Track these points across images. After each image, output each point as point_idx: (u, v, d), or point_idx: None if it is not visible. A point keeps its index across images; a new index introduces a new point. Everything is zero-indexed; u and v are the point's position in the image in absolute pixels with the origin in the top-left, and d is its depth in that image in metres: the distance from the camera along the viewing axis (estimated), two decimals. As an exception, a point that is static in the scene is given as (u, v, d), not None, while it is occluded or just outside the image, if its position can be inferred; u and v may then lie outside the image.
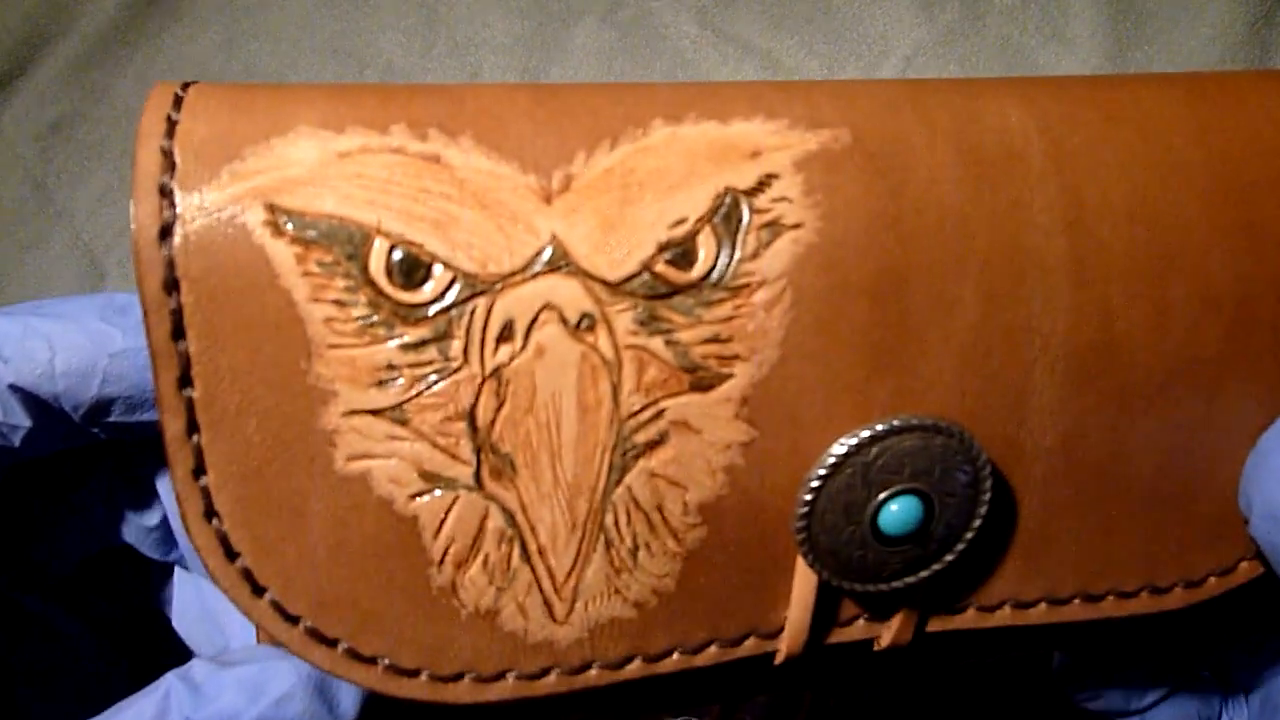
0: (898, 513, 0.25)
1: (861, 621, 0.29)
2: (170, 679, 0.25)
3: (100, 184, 0.50)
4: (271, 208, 0.22)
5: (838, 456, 0.25)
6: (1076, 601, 0.30)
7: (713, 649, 0.28)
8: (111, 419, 0.29)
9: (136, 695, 0.25)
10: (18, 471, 0.29)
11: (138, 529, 0.32)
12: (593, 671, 0.27)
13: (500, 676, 0.27)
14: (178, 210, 0.22)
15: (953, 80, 0.28)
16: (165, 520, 0.33)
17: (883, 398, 0.26)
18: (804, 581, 0.27)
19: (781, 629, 0.28)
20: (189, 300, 0.22)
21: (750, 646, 0.29)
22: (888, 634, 0.29)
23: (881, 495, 0.25)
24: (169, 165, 0.22)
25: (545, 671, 0.27)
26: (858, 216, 0.25)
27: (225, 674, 0.25)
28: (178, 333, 0.22)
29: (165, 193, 0.22)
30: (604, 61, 0.50)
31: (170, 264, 0.22)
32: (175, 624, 0.34)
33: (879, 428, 0.25)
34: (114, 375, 0.28)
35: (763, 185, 0.25)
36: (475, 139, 0.24)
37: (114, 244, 0.51)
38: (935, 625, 0.30)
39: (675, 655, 0.28)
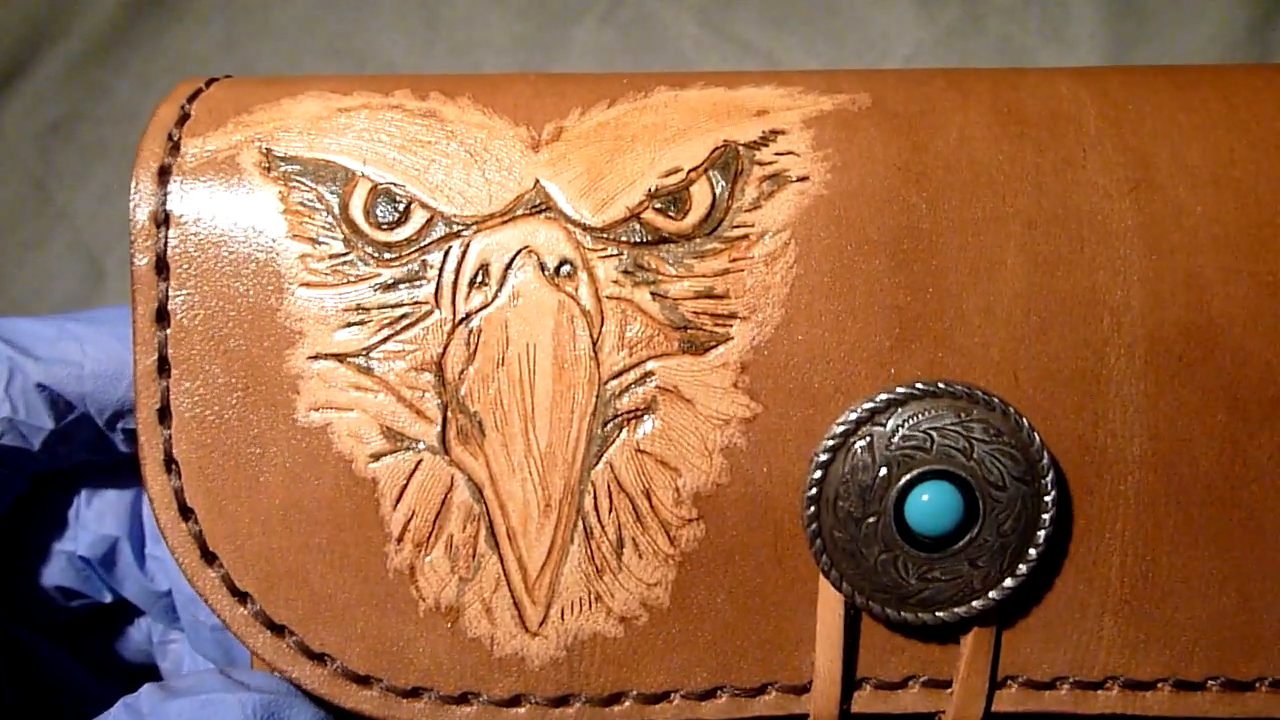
0: (930, 504, 0.21)
1: (916, 687, 0.24)
2: (118, 708, 0.24)
3: (100, 184, 0.51)
4: (267, 152, 0.23)
5: (848, 424, 0.21)
6: (1213, 687, 0.24)
7: (722, 699, 0.24)
8: (129, 425, 0.29)
9: None
10: (27, 502, 0.30)
11: (143, 592, 0.32)
12: (573, 708, 0.24)
13: (464, 699, 0.23)
14: (181, 153, 0.24)
15: (997, 69, 0.27)
16: (170, 592, 0.32)
17: (911, 371, 0.22)
18: (829, 606, 0.23)
19: (809, 683, 0.24)
20: (176, 234, 0.23)
21: (770, 704, 0.24)
22: (951, 707, 0.24)
23: (905, 478, 0.21)
24: (183, 118, 0.24)
25: (517, 700, 0.23)
26: (875, 170, 0.23)
27: (169, 705, 0.24)
28: (160, 265, 0.23)
29: (172, 139, 0.24)
30: (604, 61, 0.50)
31: (164, 199, 0.23)
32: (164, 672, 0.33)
33: (899, 390, 0.21)
34: None
35: (766, 139, 0.23)
36: (473, 98, 0.24)
37: (114, 244, 0.51)
38: (1014, 703, 0.24)
39: (675, 699, 0.24)
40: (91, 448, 0.29)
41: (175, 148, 0.24)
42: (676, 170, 0.23)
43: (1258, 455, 0.23)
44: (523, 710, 0.23)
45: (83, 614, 0.31)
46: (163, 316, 0.23)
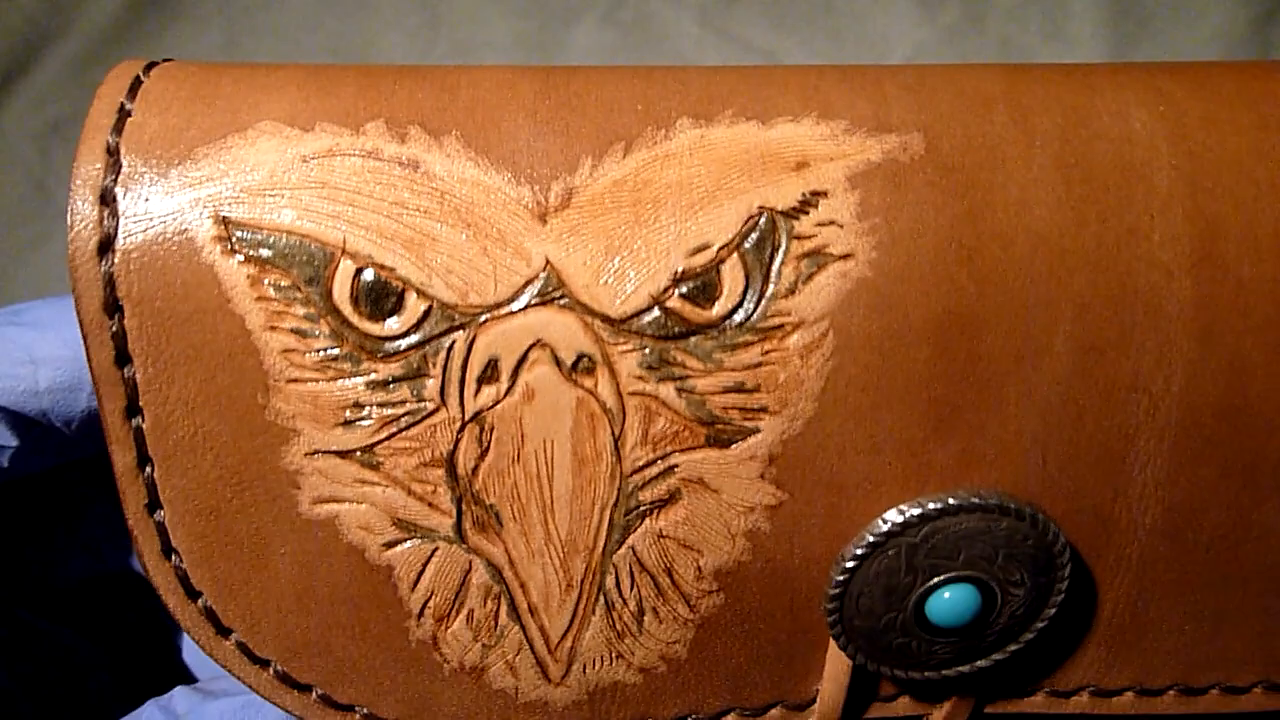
0: (950, 601, 0.22)
1: (906, 699, 0.27)
2: (150, 708, 0.25)
3: None
4: (223, 221, 0.20)
5: (878, 535, 0.21)
6: (1171, 693, 0.27)
7: (732, 717, 0.26)
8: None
9: None
10: (15, 487, 0.29)
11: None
12: (591, 735, 0.26)
13: (489, 734, 0.26)
14: (120, 220, 0.20)
15: (1063, 67, 0.24)
16: None
17: (943, 462, 0.22)
18: (838, 660, 0.25)
19: (812, 701, 0.26)
20: (133, 324, 0.20)
21: (776, 717, 0.27)
22: (939, 715, 0.27)
23: (930, 582, 0.22)
24: (114, 166, 0.20)
25: (539, 731, 0.26)
26: (924, 247, 0.21)
27: (208, 707, 0.25)
28: (122, 358, 0.21)
29: (107, 199, 0.20)
30: (604, 62, 0.49)
31: (110, 282, 0.20)
32: (185, 652, 0.34)
33: (931, 506, 0.21)
34: None
35: (806, 205, 0.21)
36: (463, 141, 0.21)
37: None
38: (995, 707, 0.27)
39: (688, 721, 0.26)
40: (59, 454, 0.28)
41: (113, 212, 0.20)
42: (705, 247, 0.21)
43: (1260, 520, 0.24)
44: (546, 740, 0.25)
45: (88, 587, 0.31)
46: (134, 410, 0.21)
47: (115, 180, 0.20)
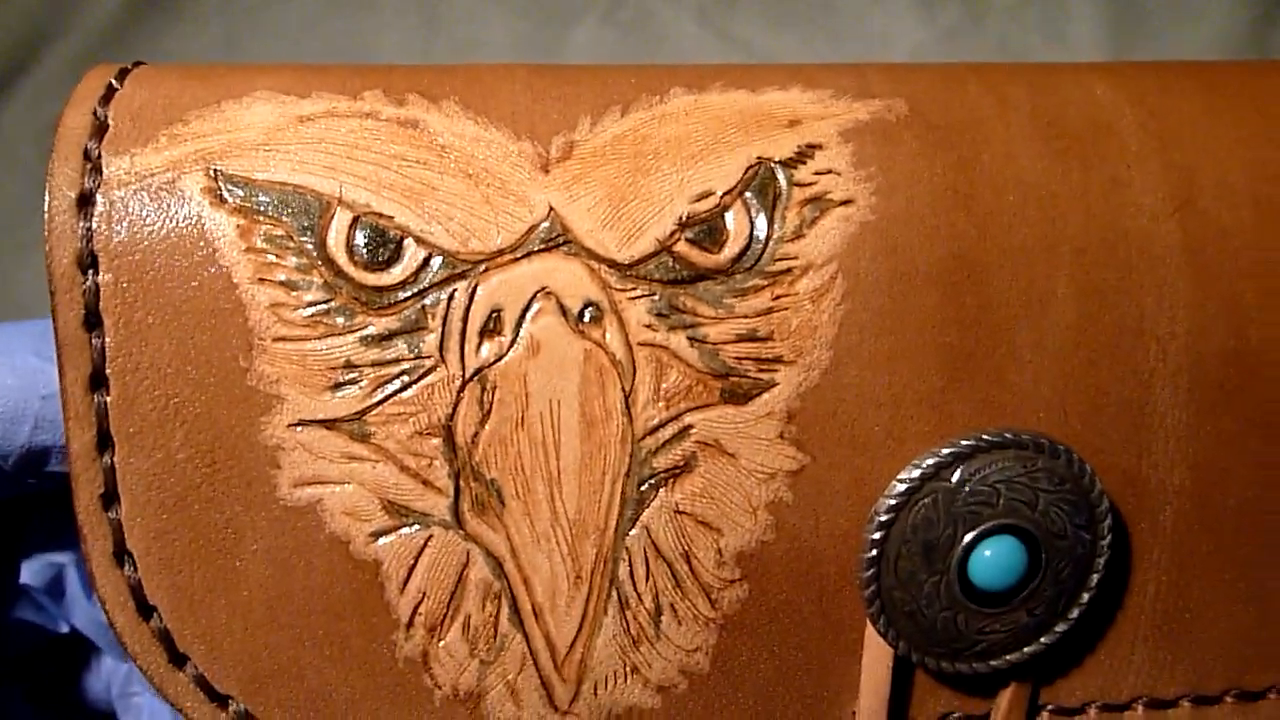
0: (994, 558, 0.21)
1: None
2: None
3: None
4: (214, 173, 0.20)
5: (912, 481, 0.20)
6: (1229, 700, 0.25)
7: None
8: (50, 468, 0.26)
9: None
10: None
11: (92, 623, 0.29)
12: (603, 781, 0.23)
13: (485, 785, 0.22)
14: (103, 175, 0.20)
15: (1023, 63, 0.26)
16: None
17: (965, 414, 0.22)
18: (876, 660, 0.22)
19: (849, 730, 0.24)
20: (107, 279, 0.19)
21: None
22: None
23: (971, 534, 0.21)
24: (99, 129, 0.20)
25: (543, 779, 0.22)
26: (921, 192, 0.22)
27: None
28: (91, 320, 0.19)
29: (90, 157, 0.19)
30: (604, 61, 0.50)
31: (88, 236, 0.19)
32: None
33: (964, 443, 0.20)
34: (48, 420, 0.25)
35: (803, 156, 0.22)
36: (461, 104, 0.21)
37: None
38: None
39: (712, 762, 0.23)
40: (36, 476, 0.25)
41: (95, 169, 0.20)
42: (708, 194, 0.21)
43: (1287, 480, 0.24)
44: (551, 790, 0.22)
45: (40, 650, 0.28)
46: (99, 383, 0.19)
47: (100, 140, 0.19)
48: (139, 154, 0.20)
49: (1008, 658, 0.22)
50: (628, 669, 0.21)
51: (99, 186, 0.19)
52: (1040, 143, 0.22)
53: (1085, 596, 0.22)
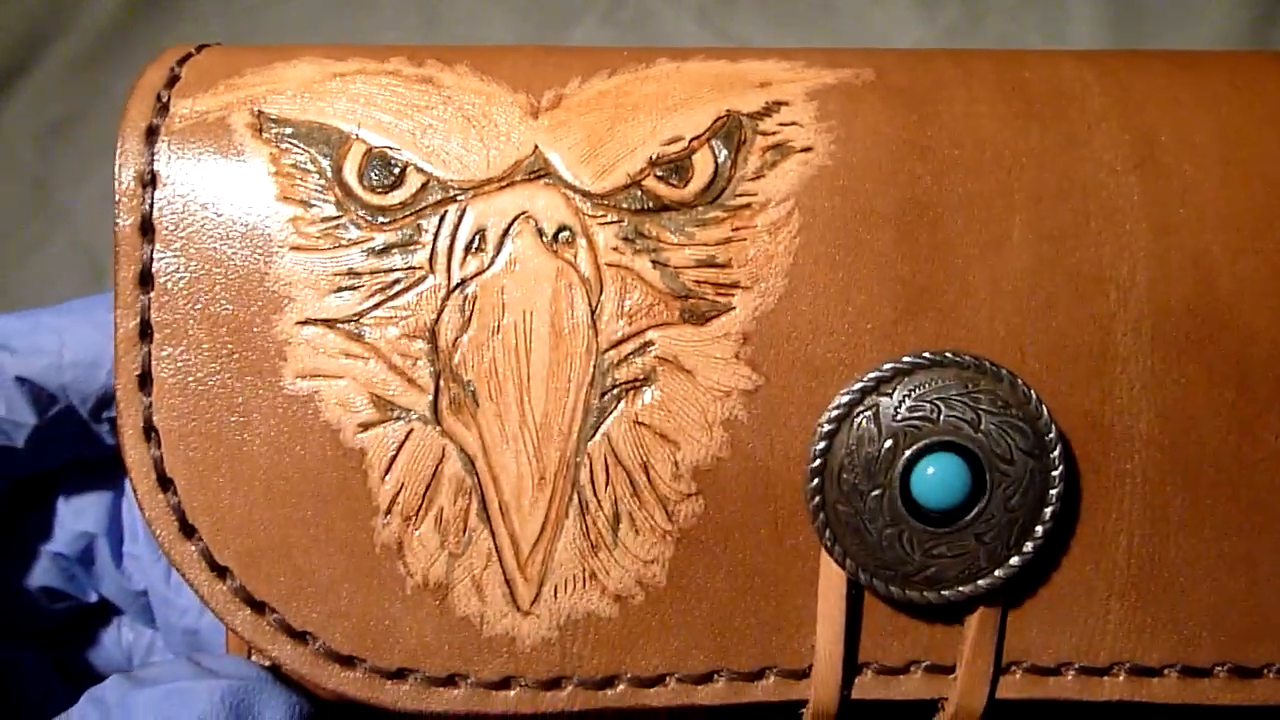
0: (936, 475, 0.21)
1: (919, 673, 0.24)
2: (84, 701, 0.23)
3: (100, 184, 0.51)
4: (258, 113, 0.23)
5: (853, 394, 0.21)
6: (1221, 674, 0.24)
7: (720, 683, 0.24)
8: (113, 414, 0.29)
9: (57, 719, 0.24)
10: (7, 506, 0.30)
11: (121, 591, 0.32)
12: (564, 691, 0.23)
13: (451, 681, 0.23)
14: (169, 113, 0.24)
15: (999, 49, 0.28)
16: (148, 591, 0.32)
17: (916, 344, 0.22)
18: (831, 587, 0.23)
19: (808, 668, 0.24)
20: (162, 196, 0.23)
21: (769, 689, 0.24)
22: (954, 693, 0.24)
23: (911, 449, 0.21)
24: (171, 80, 0.24)
25: (506, 682, 0.23)
26: (880, 143, 0.23)
27: (136, 695, 0.23)
28: (146, 227, 0.23)
29: (160, 100, 0.24)
30: None
31: (151, 159, 0.23)
32: None
33: (905, 359, 0.21)
34: None
35: (769, 110, 0.24)
36: (471, 66, 0.24)
37: None
38: (1019, 689, 0.24)
39: (670, 683, 0.23)
40: (77, 442, 0.29)
41: (164, 109, 0.24)
42: (678, 139, 0.23)
43: (1266, 436, 0.23)
44: (512, 693, 0.23)
45: (65, 619, 0.31)
46: (146, 280, 0.23)
47: (171, 89, 0.24)
48: (199, 98, 0.24)
49: (961, 589, 0.22)
50: (586, 574, 0.23)
51: (164, 122, 0.23)
52: (1002, 104, 0.24)
53: (1040, 530, 0.22)
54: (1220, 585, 0.23)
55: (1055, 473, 0.21)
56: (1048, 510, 0.22)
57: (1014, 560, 0.22)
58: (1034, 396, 0.21)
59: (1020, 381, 0.21)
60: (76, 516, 0.29)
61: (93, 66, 0.53)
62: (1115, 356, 0.23)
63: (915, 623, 0.23)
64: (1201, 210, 0.23)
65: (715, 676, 0.23)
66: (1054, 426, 0.21)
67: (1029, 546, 0.22)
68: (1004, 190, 0.23)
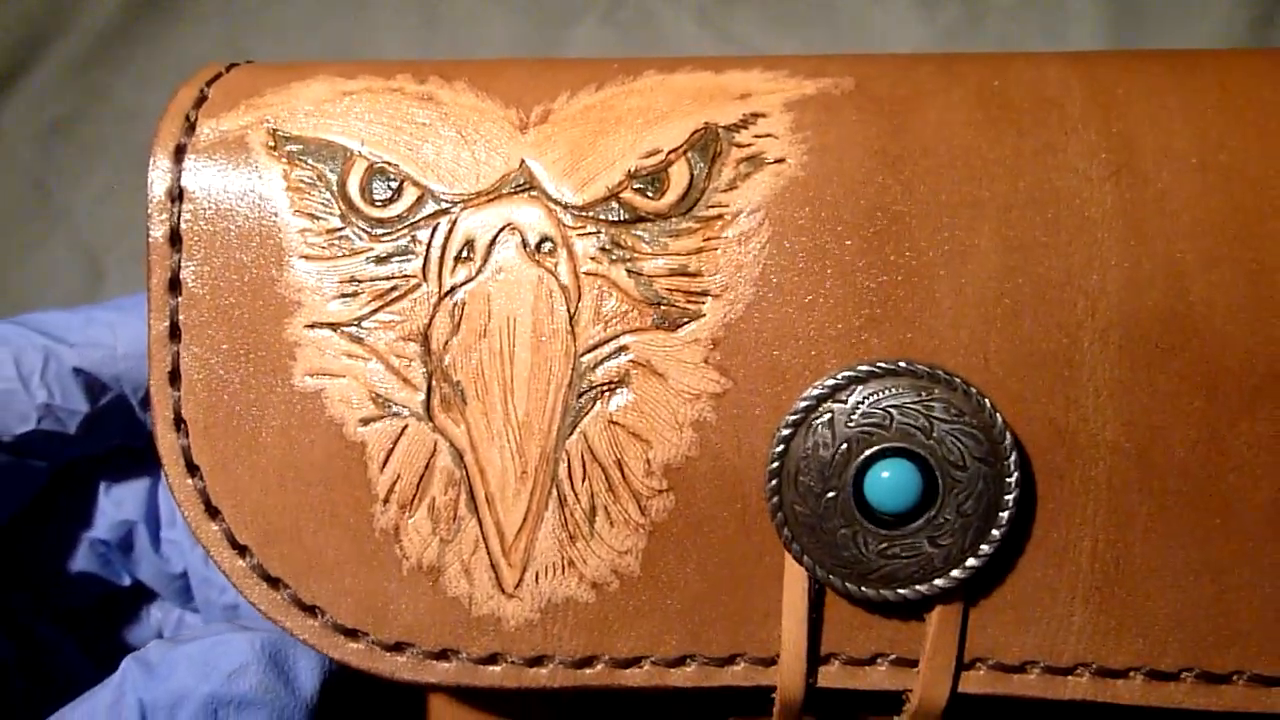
0: (888, 479, 0.22)
1: (885, 665, 0.25)
2: (127, 662, 0.26)
3: (100, 184, 0.52)
4: (274, 132, 0.26)
5: (810, 400, 0.22)
6: (1188, 678, 0.24)
7: (692, 667, 0.25)
8: None
9: (100, 685, 0.27)
10: (49, 494, 0.33)
11: (159, 574, 0.35)
12: (546, 669, 0.25)
13: (444, 655, 0.25)
14: (195, 133, 0.26)
15: (993, 53, 0.28)
16: (186, 573, 0.35)
17: (880, 351, 0.23)
18: (794, 581, 0.24)
19: (777, 656, 0.25)
20: (189, 209, 0.25)
21: (739, 675, 0.25)
22: (917, 685, 0.25)
23: (864, 454, 0.22)
24: (200, 100, 0.26)
25: (494, 658, 0.25)
26: (852, 154, 0.24)
27: (177, 651, 0.26)
28: (175, 239, 0.25)
29: (189, 120, 0.26)
30: None
31: (179, 176, 0.25)
32: None
33: (861, 368, 0.22)
34: None
35: (747, 122, 0.25)
36: (469, 82, 0.26)
37: (114, 244, 0.52)
38: (982, 685, 0.25)
39: (646, 665, 0.25)
40: (123, 432, 0.32)
41: (191, 128, 0.26)
42: (656, 151, 0.25)
43: (1236, 444, 0.23)
44: (499, 669, 0.25)
45: (98, 604, 0.34)
46: (175, 286, 0.25)
47: (199, 109, 0.26)
48: (223, 118, 0.26)
49: (918, 588, 0.23)
50: (566, 562, 0.24)
51: (191, 141, 0.26)
52: (979, 112, 0.24)
53: (996, 533, 0.22)
54: (1187, 592, 0.23)
55: (1010, 479, 0.22)
56: (1004, 514, 0.22)
57: (970, 562, 0.22)
58: (989, 405, 0.22)
59: (974, 390, 0.22)
60: (117, 505, 0.32)
61: (93, 66, 0.54)
62: (1082, 364, 0.23)
63: (879, 619, 0.24)
64: (1176, 218, 0.23)
65: (688, 661, 0.25)
66: (1009, 434, 0.22)
67: (985, 549, 0.22)
68: (973, 199, 0.24)
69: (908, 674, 0.24)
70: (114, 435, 0.31)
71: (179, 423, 0.25)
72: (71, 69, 0.54)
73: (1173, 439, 0.23)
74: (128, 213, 0.51)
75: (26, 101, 0.54)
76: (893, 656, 0.25)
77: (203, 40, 0.54)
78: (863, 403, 0.22)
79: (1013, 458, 0.22)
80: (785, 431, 0.22)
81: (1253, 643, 0.23)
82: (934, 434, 0.22)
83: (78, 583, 0.33)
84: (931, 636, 0.24)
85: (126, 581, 0.33)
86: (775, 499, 0.23)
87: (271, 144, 0.25)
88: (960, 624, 0.24)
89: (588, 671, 0.25)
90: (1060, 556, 0.23)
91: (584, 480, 0.24)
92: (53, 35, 0.54)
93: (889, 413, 0.22)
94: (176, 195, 0.25)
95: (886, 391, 0.22)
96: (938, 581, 0.23)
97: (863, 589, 0.23)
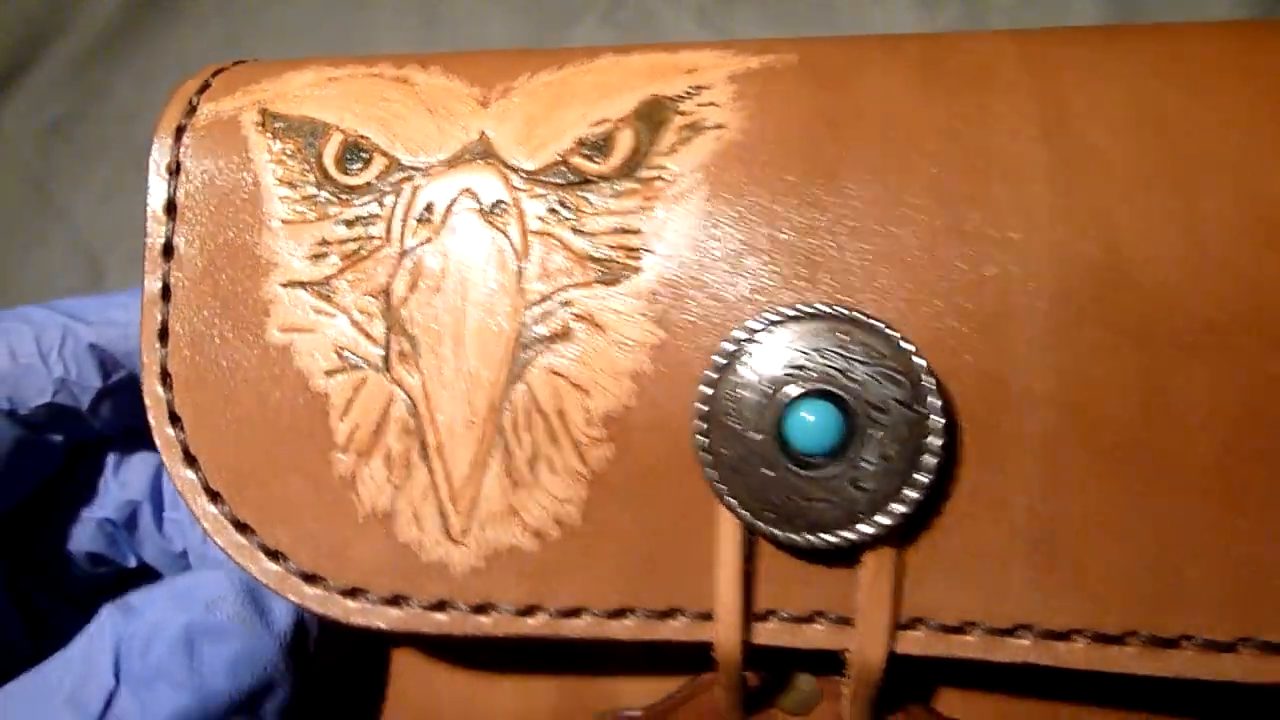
0: (806, 421, 0.22)
1: (823, 624, 0.25)
2: (106, 607, 0.28)
3: (100, 184, 0.52)
4: (264, 111, 0.28)
5: (736, 342, 0.23)
6: (1134, 642, 0.23)
7: (631, 620, 0.25)
8: None
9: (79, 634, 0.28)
10: (60, 474, 0.35)
11: (161, 553, 0.36)
12: (491, 617, 0.26)
13: (396, 601, 0.26)
14: (195, 115, 0.28)
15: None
16: (186, 552, 0.36)
17: (811, 303, 0.24)
18: (727, 532, 0.24)
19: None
20: (184, 181, 0.28)
21: (679, 629, 0.25)
22: (854, 644, 0.24)
23: (784, 396, 0.23)
24: (203, 88, 0.29)
25: (441, 605, 0.26)
26: (790, 118, 0.25)
27: (156, 589, 0.27)
28: (170, 208, 0.28)
29: (191, 104, 0.29)
30: None
31: (177, 152, 0.28)
32: None
33: (785, 311, 0.23)
34: None
35: (691, 93, 0.26)
36: (443, 67, 0.28)
37: (114, 244, 0.52)
38: (922, 646, 0.24)
39: (587, 617, 0.25)
40: (131, 410, 0.34)
41: (192, 110, 0.29)
42: (605, 121, 0.26)
43: (1174, 398, 0.23)
44: (446, 616, 0.26)
45: (104, 583, 0.36)
46: (169, 251, 0.28)
47: (201, 95, 0.29)
48: (221, 101, 0.28)
49: (843, 534, 0.23)
50: (509, 509, 0.25)
51: (190, 121, 0.28)
52: (916, 78, 0.25)
53: (923, 479, 0.22)
54: (1127, 549, 0.23)
55: (933, 424, 0.22)
56: (927, 459, 0.22)
57: (895, 507, 0.22)
58: (910, 349, 0.22)
59: (895, 333, 0.22)
60: (123, 486, 0.34)
61: (93, 66, 0.54)
62: (1012, 317, 0.23)
63: (815, 571, 0.24)
64: (1108, 173, 0.23)
65: (628, 613, 0.25)
66: (931, 379, 0.22)
67: (911, 494, 0.22)
68: (904, 159, 0.24)
69: (848, 633, 0.24)
70: (124, 413, 0.34)
71: (165, 376, 0.27)
72: (71, 69, 0.54)
73: (1108, 390, 0.23)
74: (128, 213, 0.52)
75: (26, 101, 0.54)
76: (833, 616, 0.24)
77: (203, 40, 0.54)
78: (785, 346, 0.23)
79: (935, 402, 0.22)
80: (712, 375, 0.23)
81: (1200, 604, 0.23)
82: (854, 376, 0.22)
83: (86, 563, 0.35)
84: (864, 589, 0.24)
85: (132, 563, 0.35)
86: (703, 441, 0.23)
87: (261, 122, 0.28)
88: (894, 579, 0.24)
89: (531, 621, 0.25)
90: (995, 512, 0.23)
91: (527, 429, 0.25)
92: (53, 35, 0.54)
93: (810, 355, 0.22)
94: (174, 169, 0.28)
95: (808, 335, 0.23)
96: (863, 527, 0.23)
97: (789, 534, 0.23)
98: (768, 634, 0.25)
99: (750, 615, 0.25)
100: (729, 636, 0.24)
